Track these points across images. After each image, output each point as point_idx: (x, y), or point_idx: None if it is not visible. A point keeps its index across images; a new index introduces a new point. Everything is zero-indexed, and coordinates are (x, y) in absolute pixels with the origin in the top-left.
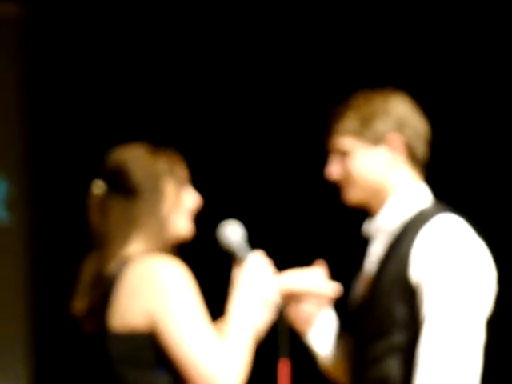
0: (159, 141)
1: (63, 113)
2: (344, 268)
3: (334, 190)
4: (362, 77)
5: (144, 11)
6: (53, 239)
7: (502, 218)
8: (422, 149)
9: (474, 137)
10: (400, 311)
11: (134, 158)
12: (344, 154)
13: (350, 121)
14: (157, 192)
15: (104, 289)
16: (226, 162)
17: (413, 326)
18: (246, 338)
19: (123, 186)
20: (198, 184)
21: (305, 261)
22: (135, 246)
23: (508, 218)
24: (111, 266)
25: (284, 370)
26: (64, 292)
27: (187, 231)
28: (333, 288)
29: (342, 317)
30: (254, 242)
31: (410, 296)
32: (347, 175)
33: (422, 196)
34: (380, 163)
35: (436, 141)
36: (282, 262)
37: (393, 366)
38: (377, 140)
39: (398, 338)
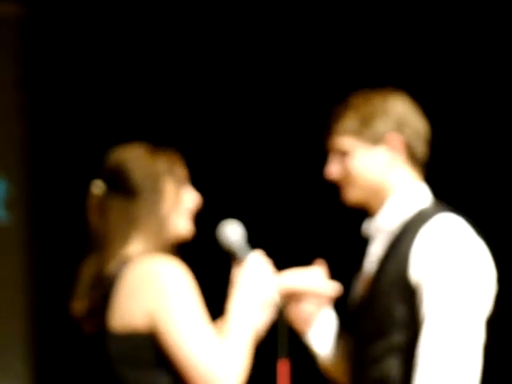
0: (159, 141)
1: (62, 112)
2: (344, 268)
3: (334, 189)
4: (361, 77)
5: (143, 11)
6: (52, 239)
7: (501, 218)
8: (421, 148)
9: (474, 136)
10: (400, 311)
11: (134, 158)
12: (344, 154)
13: (349, 120)
14: (156, 192)
15: (104, 289)
16: (225, 162)
17: (412, 326)
18: (245, 338)
19: (123, 186)
20: (197, 184)
21: (305, 260)
22: (135, 246)
23: (508, 218)
24: (111, 267)
25: (283, 370)
26: (63, 291)
27: (187, 231)
28: (333, 287)
29: (342, 316)
30: (253, 242)
31: (409, 296)
32: (347, 175)
33: (421, 196)
34: (380, 163)
35: (436, 141)
36: (282, 262)
37: (392, 366)
38: (376, 140)
39: (398, 337)
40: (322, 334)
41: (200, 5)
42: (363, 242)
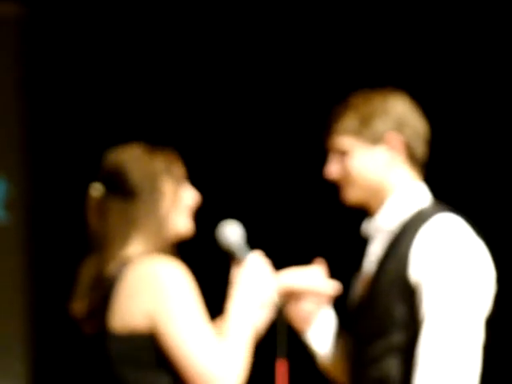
0: (158, 141)
1: (62, 113)
2: (343, 268)
3: (334, 189)
4: (361, 77)
5: (143, 11)
6: (51, 239)
7: (501, 218)
8: (421, 148)
9: (474, 136)
10: (399, 311)
11: (131, 159)
12: (343, 154)
13: (349, 120)
14: (155, 192)
15: (104, 290)
16: (225, 162)
17: (412, 326)
18: (245, 338)
19: (121, 188)
20: (197, 184)
21: (304, 261)
22: (135, 247)
23: (507, 218)
24: (111, 268)
25: (281, 369)
26: (62, 291)
27: (187, 229)
28: (332, 286)
29: (342, 316)
30: (253, 242)
31: (409, 296)
32: (346, 175)
33: (421, 195)
34: (379, 163)
35: (435, 140)
36: (282, 262)
37: (392, 366)
38: (376, 139)
39: (398, 337)
40: (321, 333)
41: (200, 5)
42: (363, 242)
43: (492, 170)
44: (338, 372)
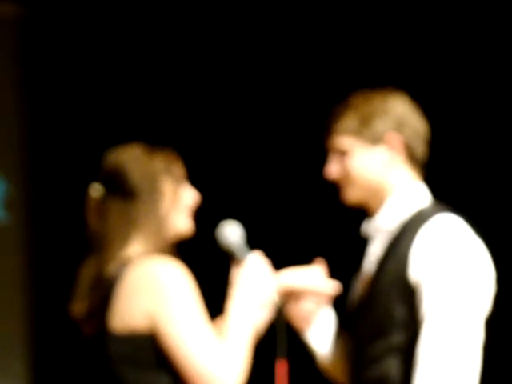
0: (157, 141)
1: (61, 113)
2: (343, 268)
3: (333, 189)
4: (361, 77)
5: (142, 11)
6: (51, 239)
7: (500, 218)
8: (421, 148)
9: (474, 137)
10: (399, 311)
11: (131, 159)
12: (343, 154)
13: (349, 120)
14: (155, 192)
15: (104, 290)
16: (224, 162)
17: (412, 326)
18: (245, 338)
19: (121, 189)
20: (197, 184)
21: (304, 261)
22: (134, 248)
23: (507, 218)
24: (111, 268)
25: (281, 369)
26: (62, 292)
27: (187, 229)
28: (332, 286)
29: (341, 316)
30: (252, 242)
31: (409, 296)
32: (346, 175)
33: (420, 196)
34: (379, 163)
35: (435, 141)
36: (281, 262)
37: (392, 366)
38: (376, 139)
39: (397, 337)
40: (321, 333)
41: (200, 5)
42: (362, 242)
43: (492, 170)
44: (337, 372)
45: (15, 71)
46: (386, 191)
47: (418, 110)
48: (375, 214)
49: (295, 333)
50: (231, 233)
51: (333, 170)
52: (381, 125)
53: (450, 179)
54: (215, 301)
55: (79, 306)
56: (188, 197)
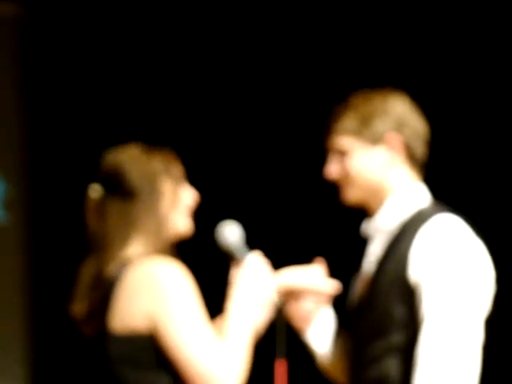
0: (156, 141)
1: (61, 113)
2: (343, 268)
3: (333, 189)
4: (361, 77)
5: (142, 11)
6: (50, 239)
7: (500, 218)
8: (420, 149)
9: (473, 137)
10: (399, 311)
11: (130, 160)
12: (343, 154)
13: (349, 120)
14: (154, 192)
15: (104, 291)
16: (224, 162)
17: (411, 326)
18: (244, 338)
19: (120, 189)
20: (196, 184)
21: (304, 261)
22: (134, 248)
23: (507, 218)
24: (111, 268)
25: (281, 369)
26: (62, 292)
27: (186, 229)
28: (332, 286)
29: (341, 315)
30: (252, 243)
31: (408, 296)
32: (346, 175)
33: (420, 196)
34: (379, 163)
35: (435, 141)
36: (281, 262)
37: (391, 366)
38: (376, 140)
39: (397, 337)
40: (320, 333)
41: (199, 5)
42: (362, 242)
43: (492, 170)
44: (337, 372)
45: (15, 71)
46: (385, 191)
47: (418, 110)
48: (375, 214)
49: (295, 333)
50: (230, 233)
51: (333, 170)
52: (381, 125)
53: (449, 179)
54: (215, 301)
55: (79, 307)
56: (187, 197)
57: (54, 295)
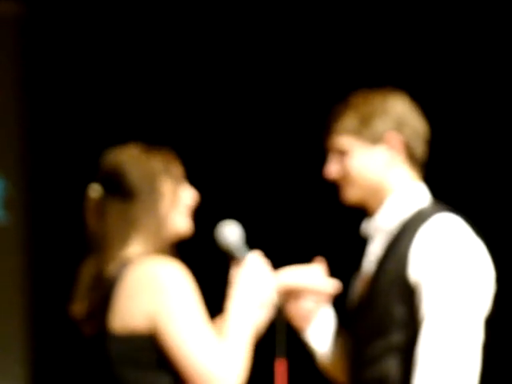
0: (156, 141)
1: (61, 112)
2: (343, 268)
3: (333, 189)
4: (361, 77)
5: (142, 10)
6: (50, 239)
7: (500, 218)
8: (420, 148)
9: (473, 136)
10: (399, 311)
11: (129, 159)
12: (343, 153)
13: (349, 120)
14: (154, 192)
15: (104, 291)
16: (223, 162)
17: (411, 326)
18: (244, 338)
19: (120, 189)
20: (196, 184)
21: (304, 261)
22: (134, 248)
23: (507, 218)
24: (110, 268)
25: (281, 369)
26: (62, 292)
27: (186, 229)
28: (332, 285)
29: (341, 315)
30: (252, 242)
31: (408, 295)
32: (346, 174)
33: (420, 195)
34: (379, 162)
35: (435, 140)
36: (281, 262)
37: (391, 366)
38: (376, 139)
39: (397, 337)
40: (320, 332)
41: (199, 4)
42: (362, 242)
43: (492, 170)
44: (337, 371)
45: (15, 70)
46: (385, 191)
47: (418, 109)
48: (375, 213)
49: (295, 332)
50: (230, 233)
51: (332, 169)
52: (381, 124)
53: (449, 179)
54: (215, 301)
55: (79, 307)
56: (187, 197)
57: (54, 295)
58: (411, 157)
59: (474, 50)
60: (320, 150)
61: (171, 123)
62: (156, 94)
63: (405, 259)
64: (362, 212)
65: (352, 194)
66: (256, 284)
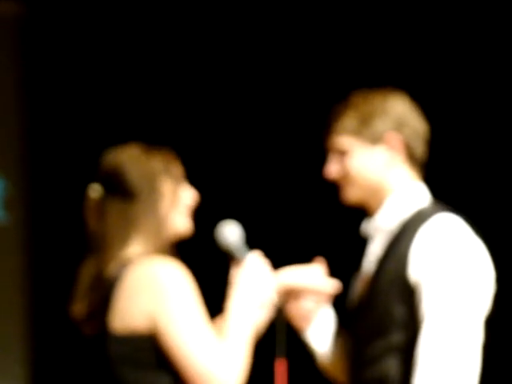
0: (156, 140)
1: (61, 111)
2: (343, 268)
3: (333, 189)
4: (361, 76)
5: (142, 10)
6: (50, 239)
7: (500, 218)
8: (420, 148)
9: (473, 136)
10: (399, 311)
11: (129, 160)
12: (343, 153)
13: (348, 120)
14: (154, 192)
15: (104, 291)
16: (223, 162)
17: (411, 326)
18: (244, 338)
19: (120, 189)
20: (195, 184)
21: (304, 261)
22: (134, 248)
23: (506, 218)
24: (111, 269)
25: (281, 369)
26: (62, 291)
27: (186, 228)
28: (332, 285)
29: (341, 315)
30: (252, 242)
31: (408, 295)
32: (346, 174)
33: (420, 195)
34: (378, 162)
35: (435, 140)
36: (281, 262)
37: (391, 366)
38: (375, 139)
39: (397, 337)
40: (320, 332)
41: (199, 4)
42: (362, 242)
43: (491, 170)
44: (337, 371)
45: (15, 70)
46: (385, 191)
47: (418, 109)
48: (375, 213)
49: (295, 332)
50: (230, 233)
51: (332, 169)
52: (381, 124)
53: (449, 179)
54: (215, 301)
55: (79, 307)
56: (187, 196)
57: (54, 295)
58: (411, 157)
59: (474, 50)
60: (320, 150)
61: (171, 123)
62: (156, 94)
63: (405, 259)
64: (362, 212)
65: (352, 194)
66: (256, 284)
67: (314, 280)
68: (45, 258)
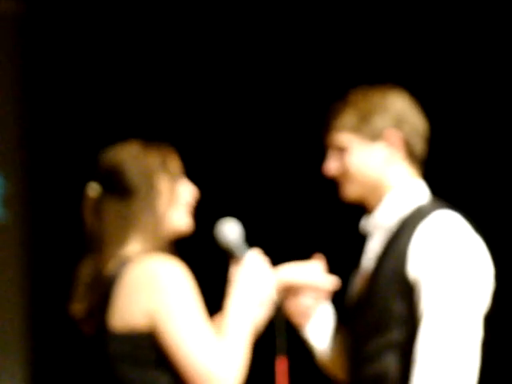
0: (155, 137)
1: (59, 110)
2: (342, 265)
3: (332, 186)
4: (360, 73)
5: (141, 9)
6: (49, 237)
7: (499, 215)
8: (420, 145)
9: (473, 134)
10: (398, 307)
11: (128, 158)
12: (342, 150)
13: (348, 117)
14: (151, 190)
15: (103, 289)
16: (223, 160)
17: (410, 323)
18: (244, 336)
19: (118, 188)
20: (195, 182)
21: (302, 258)
22: (133, 246)
23: (506, 215)
24: (110, 267)
25: (281, 367)
26: (61, 290)
27: (186, 225)
28: (331, 281)
29: (340, 311)
30: (251, 240)
31: (407, 292)
32: (345, 171)
33: (419, 192)
34: (378, 159)
35: (434, 137)
36: (280, 260)
37: (390, 363)
38: (375, 136)
39: (396, 334)
40: (319, 328)
41: (199, 4)
42: (361, 239)
43: (491, 168)
44: (336, 368)
45: (15, 69)
46: (384, 188)
47: (418, 106)
48: (374, 210)
49: (295, 330)
50: (230, 230)
51: (332, 166)
52: (380, 121)
53: (448, 176)
54: (214, 299)
55: (78, 305)
56: (186, 193)
57: (54, 293)
58: (410, 154)
59: (473, 49)
60: (319, 147)
61: (170, 121)
62: (155, 93)
63: (404, 256)
64: (361, 209)
65: (351, 191)
66: (255, 282)
67: (313, 277)
68: (44, 256)
